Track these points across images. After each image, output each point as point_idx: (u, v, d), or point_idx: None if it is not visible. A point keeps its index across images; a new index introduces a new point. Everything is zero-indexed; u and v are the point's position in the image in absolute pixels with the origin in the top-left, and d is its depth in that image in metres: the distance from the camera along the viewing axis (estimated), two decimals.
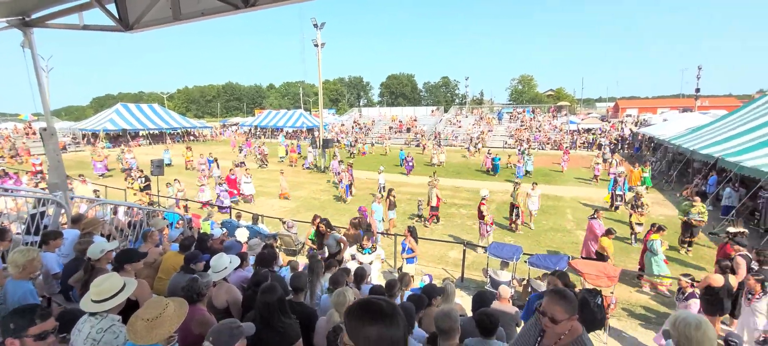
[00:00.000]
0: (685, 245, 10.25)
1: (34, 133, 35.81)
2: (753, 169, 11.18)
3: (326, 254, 7.50)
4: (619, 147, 33.11)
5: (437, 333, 2.91)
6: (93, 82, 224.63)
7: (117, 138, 39.52)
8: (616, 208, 14.16)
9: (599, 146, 33.12)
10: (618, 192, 14.29)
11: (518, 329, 4.41)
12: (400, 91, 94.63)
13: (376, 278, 7.06)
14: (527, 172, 21.18)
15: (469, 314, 4.49)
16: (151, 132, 42.46)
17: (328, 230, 7.62)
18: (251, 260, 5.67)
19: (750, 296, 5.29)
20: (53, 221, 5.71)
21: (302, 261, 7.61)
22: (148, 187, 15.55)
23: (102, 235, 5.49)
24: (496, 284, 6.84)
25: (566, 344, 2.30)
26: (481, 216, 10.67)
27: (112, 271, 3.49)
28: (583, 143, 35.54)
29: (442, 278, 8.40)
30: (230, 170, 16.32)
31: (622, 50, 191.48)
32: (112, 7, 4.85)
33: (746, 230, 7.46)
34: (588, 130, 39.56)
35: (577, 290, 6.21)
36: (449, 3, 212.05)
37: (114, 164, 24.34)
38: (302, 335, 3.06)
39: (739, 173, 12.25)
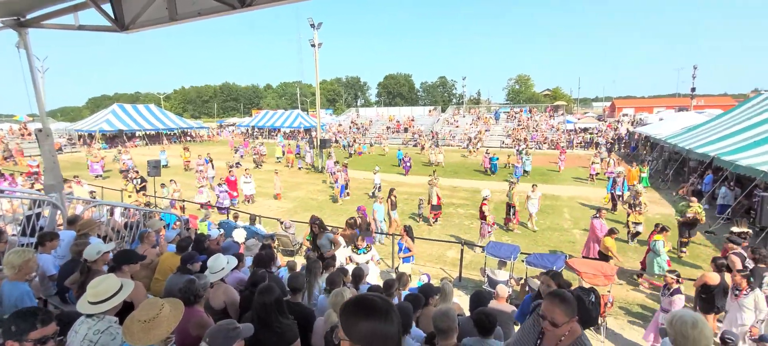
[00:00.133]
0: (684, 246, 10.26)
1: (30, 135, 35.56)
2: (748, 168, 11.26)
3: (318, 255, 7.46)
4: (616, 146, 33.25)
5: (435, 332, 2.92)
6: (89, 83, 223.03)
7: (113, 139, 39.33)
8: (615, 208, 14.18)
9: (596, 146, 33.25)
10: (617, 192, 14.23)
11: (516, 329, 4.43)
12: (397, 91, 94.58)
13: (375, 279, 7.05)
14: (526, 172, 21.24)
15: (467, 313, 4.49)
16: (148, 133, 42.29)
17: (322, 230, 7.56)
18: (248, 261, 5.66)
19: (737, 291, 5.34)
20: (49, 223, 5.67)
21: (300, 262, 7.61)
22: (144, 188, 15.49)
23: (98, 236, 5.47)
24: (493, 283, 6.86)
25: None
26: (482, 216, 10.69)
27: (109, 272, 3.47)
28: (580, 143, 35.66)
29: (440, 277, 8.43)
30: (230, 172, 16.27)
31: (618, 50, 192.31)
32: (107, 7, 4.82)
33: (750, 230, 7.44)
34: (585, 130, 39.71)
35: (572, 288, 6.24)
36: (447, 3, 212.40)
37: (111, 165, 24.22)
38: (300, 336, 3.06)
39: (734, 172, 12.32)
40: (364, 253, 7.25)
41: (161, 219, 8.30)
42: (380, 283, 5.89)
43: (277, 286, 3.23)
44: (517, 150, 26.83)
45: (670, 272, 5.87)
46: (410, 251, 8.11)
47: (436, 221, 13.05)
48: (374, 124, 50.06)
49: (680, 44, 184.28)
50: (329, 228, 8.22)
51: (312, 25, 23.10)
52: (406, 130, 45.22)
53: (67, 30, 5.25)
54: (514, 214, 12.18)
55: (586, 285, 6.51)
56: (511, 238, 11.39)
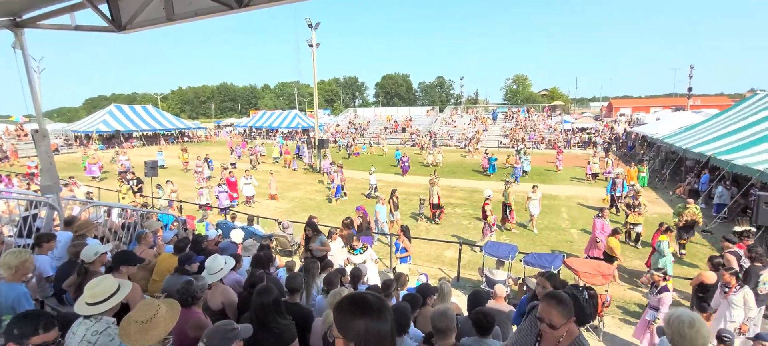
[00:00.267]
0: (683, 248, 10.26)
1: (26, 135, 35.38)
2: (744, 168, 11.32)
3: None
4: (613, 146, 33.35)
5: (434, 332, 2.92)
6: (85, 83, 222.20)
7: (110, 140, 39.18)
8: (617, 209, 14.13)
9: (594, 145, 33.37)
10: (617, 193, 14.11)
11: (514, 328, 4.43)
12: (395, 91, 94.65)
13: (375, 279, 7.06)
14: (525, 172, 21.25)
15: (465, 313, 4.50)
16: (145, 133, 42.13)
17: (315, 233, 7.44)
18: (245, 262, 5.65)
19: (726, 289, 5.38)
20: (46, 224, 5.65)
21: (298, 262, 7.59)
22: (140, 190, 15.42)
23: (95, 237, 5.45)
24: (491, 283, 6.87)
25: None
26: (485, 216, 10.72)
27: (106, 272, 3.46)
28: (578, 143, 35.77)
29: (438, 277, 8.44)
30: (229, 173, 16.22)
31: (615, 50, 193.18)
32: (104, 8, 4.81)
33: (753, 229, 7.41)
34: (582, 130, 39.82)
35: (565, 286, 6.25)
36: (444, 3, 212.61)
37: (108, 167, 24.11)
38: (298, 336, 3.06)
39: (730, 172, 12.39)
40: (360, 253, 7.24)
41: (159, 220, 8.27)
42: (380, 283, 5.88)
43: (275, 287, 3.23)
44: (517, 150, 26.80)
45: (656, 269, 5.91)
46: (407, 251, 8.12)
47: (439, 219, 13.13)
48: (372, 125, 50.05)
49: (677, 44, 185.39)
50: (328, 229, 8.20)
51: (309, 26, 23.06)
52: (404, 130, 45.24)
53: (63, 30, 5.24)
54: (510, 213, 12.19)
55: (584, 283, 6.55)
56: (508, 237, 11.41)
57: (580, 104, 79.02)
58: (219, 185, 14.77)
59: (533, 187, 12.58)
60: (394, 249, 8.39)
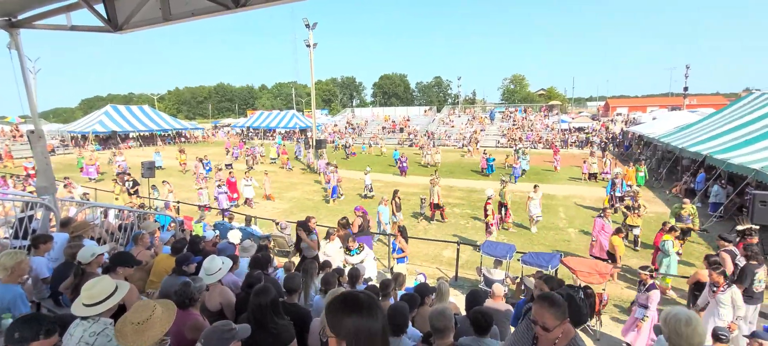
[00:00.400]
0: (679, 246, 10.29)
1: (22, 136, 35.18)
2: (740, 167, 11.39)
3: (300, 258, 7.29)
4: (610, 146, 33.48)
5: (432, 332, 2.92)
6: (81, 84, 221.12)
7: (106, 140, 39.00)
8: (616, 209, 14.12)
9: (591, 144, 33.47)
10: (616, 193, 14.04)
11: (512, 329, 4.44)
12: (392, 91, 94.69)
13: (375, 278, 7.06)
14: (523, 171, 21.26)
15: (464, 312, 4.51)
16: (142, 134, 41.95)
17: (308, 234, 7.30)
18: (243, 263, 5.63)
19: (715, 288, 5.41)
20: (42, 225, 5.62)
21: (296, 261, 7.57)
22: (136, 192, 15.33)
23: (92, 238, 5.42)
24: (489, 282, 6.88)
25: None
26: (486, 215, 10.76)
27: (103, 273, 3.44)
28: (575, 142, 35.88)
29: (436, 277, 8.45)
30: (230, 173, 16.16)
31: (612, 50, 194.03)
32: (100, 8, 4.79)
33: (757, 226, 7.36)
34: (580, 129, 39.94)
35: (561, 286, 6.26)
36: (442, 3, 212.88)
37: (105, 168, 23.99)
38: (297, 336, 3.05)
39: (726, 170, 12.46)
40: (357, 253, 7.23)
41: (156, 221, 8.25)
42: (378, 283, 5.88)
43: (274, 287, 3.22)
44: (515, 150, 26.76)
45: (643, 268, 5.93)
46: (403, 251, 8.12)
47: (444, 218, 13.23)
48: (370, 125, 50.05)
49: (673, 44, 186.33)
50: (318, 228, 8.14)
51: (307, 26, 23.05)
52: (401, 130, 45.26)
53: (59, 30, 5.21)
54: (506, 213, 12.21)
55: (582, 282, 6.57)
56: (506, 237, 11.43)
57: (577, 104, 79.28)
58: (219, 185, 14.70)
59: (534, 187, 12.48)
60: (391, 250, 8.39)
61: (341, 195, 16.79)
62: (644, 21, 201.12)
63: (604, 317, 6.78)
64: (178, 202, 14.46)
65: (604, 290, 6.76)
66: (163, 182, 15.58)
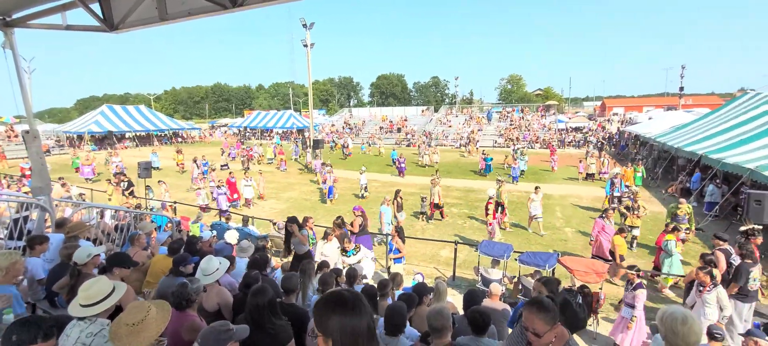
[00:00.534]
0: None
1: (16, 136, 34.91)
2: (735, 166, 11.46)
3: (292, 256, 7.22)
4: (606, 145, 33.64)
5: (430, 331, 2.92)
6: (77, 84, 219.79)
7: (102, 140, 38.78)
8: (615, 210, 14.08)
9: (587, 143, 33.62)
10: (616, 194, 13.94)
11: (510, 330, 4.45)
12: (390, 91, 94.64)
13: (371, 278, 7.05)
14: (522, 172, 21.31)
15: (461, 312, 4.51)
16: (138, 134, 41.73)
17: (299, 228, 7.07)
18: (238, 264, 5.60)
19: (701, 288, 5.44)
20: (37, 226, 5.58)
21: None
22: (132, 193, 15.24)
23: (88, 239, 5.39)
24: (487, 282, 6.90)
25: None
26: (488, 215, 10.78)
27: (100, 274, 3.42)
28: (571, 142, 36.01)
29: (434, 276, 8.45)
30: (230, 174, 16.10)
31: (608, 50, 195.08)
32: (96, 7, 4.76)
33: (759, 226, 7.28)
34: (577, 129, 40.08)
35: (566, 286, 6.28)
36: (439, 3, 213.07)
37: (102, 168, 23.85)
38: (294, 337, 3.04)
39: (721, 170, 12.54)
40: (353, 255, 7.22)
41: (152, 221, 8.21)
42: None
43: (271, 287, 3.21)
44: (514, 150, 26.74)
45: (630, 267, 5.96)
46: (400, 252, 8.12)
47: (443, 217, 13.31)
48: (367, 125, 50.04)
49: (669, 45, 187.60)
50: (316, 229, 8.13)
51: (304, 25, 23.02)
52: (399, 130, 45.28)
53: (54, 30, 5.18)
54: (502, 212, 12.23)
55: (579, 282, 6.60)
56: (503, 236, 11.45)
57: (574, 104, 79.66)
58: (218, 186, 14.64)
59: (536, 188, 12.29)
60: (387, 250, 8.38)
61: (335, 195, 16.75)
62: (641, 21, 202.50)
63: (600, 317, 6.80)
64: (175, 202, 14.40)
65: (600, 289, 6.79)
66: (158, 181, 15.50)
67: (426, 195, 13.63)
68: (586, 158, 21.40)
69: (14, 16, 5.02)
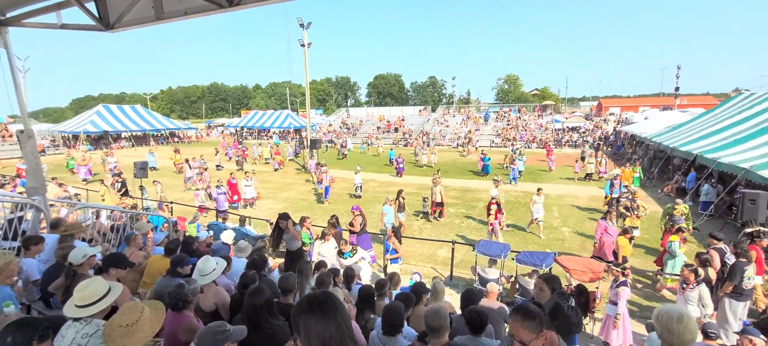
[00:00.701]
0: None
1: (11, 136, 34.64)
2: (730, 165, 11.54)
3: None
4: (603, 145, 33.77)
5: (427, 331, 2.93)
6: (72, 83, 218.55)
7: (98, 140, 38.55)
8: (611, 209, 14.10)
9: (584, 143, 33.75)
10: (615, 194, 13.89)
11: (507, 328, 4.46)
12: (387, 91, 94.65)
13: (367, 279, 7.04)
14: (520, 172, 21.34)
15: (459, 311, 4.52)
16: (134, 134, 41.50)
17: (290, 223, 7.06)
18: (236, 264, 5.59)
19: (684, 285, 5.47)
20: (32, 226, 5.54)
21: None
22: (126, 193, 15.14)
23: (83, 239, 5.36)
24: (484, 281, 6.91)
25: None
26: (489, 215, 10.81)
27: (95, 274, 3.40)
28: (568, 142, 36.14)
29: (431, 276, 8.46)
30: (231, 174, 16.03)
31: (604, 50, 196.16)
32: (91, 6, 4.73)
33: (766, 229, 7.20)
34: (573, 129, 40.22)
35: (559, 289, 6.28)
36: (436, 3, 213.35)
37: (98, 168, 23.69)
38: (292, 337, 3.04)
39: (717, 170, 12.62)
40: (350, 256, 7.20)
41: (149, 222, 8.17)
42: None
43: (268, 288, 3.20)
44: (513, 150, 26.70)
45: (616, 265, 5.98)
46: (397, 252, 8.12)
47: (442, 216, 13.36)
48: (364, 124, 50.01)
49: (665, 45, 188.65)
50: (313, 229, 8.11)
51: (301, 25, 22.96)
52: (396, 130, 45.28)
53: (49, 29, 5.14)
54: (498, 212, 12.22)
55: (575, 282, 6.62)
56: (501, 236, 11.46)
57: (571, 104, 79.98)
58: (218, 186, 14.58)
59: (538, 190, 12.12)
60: (384, 250, 8.37)
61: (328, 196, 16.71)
62: (637, 22, 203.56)
63: (596, 316, 6.83)
64: (172, 202, 14.33)
65: (597, 288, 6.81)
66: (153, 181, 15.42)
67: (426, 195, 13.67)
68: (582, 159, 21.45)
69: (8, 15, 4.98)
